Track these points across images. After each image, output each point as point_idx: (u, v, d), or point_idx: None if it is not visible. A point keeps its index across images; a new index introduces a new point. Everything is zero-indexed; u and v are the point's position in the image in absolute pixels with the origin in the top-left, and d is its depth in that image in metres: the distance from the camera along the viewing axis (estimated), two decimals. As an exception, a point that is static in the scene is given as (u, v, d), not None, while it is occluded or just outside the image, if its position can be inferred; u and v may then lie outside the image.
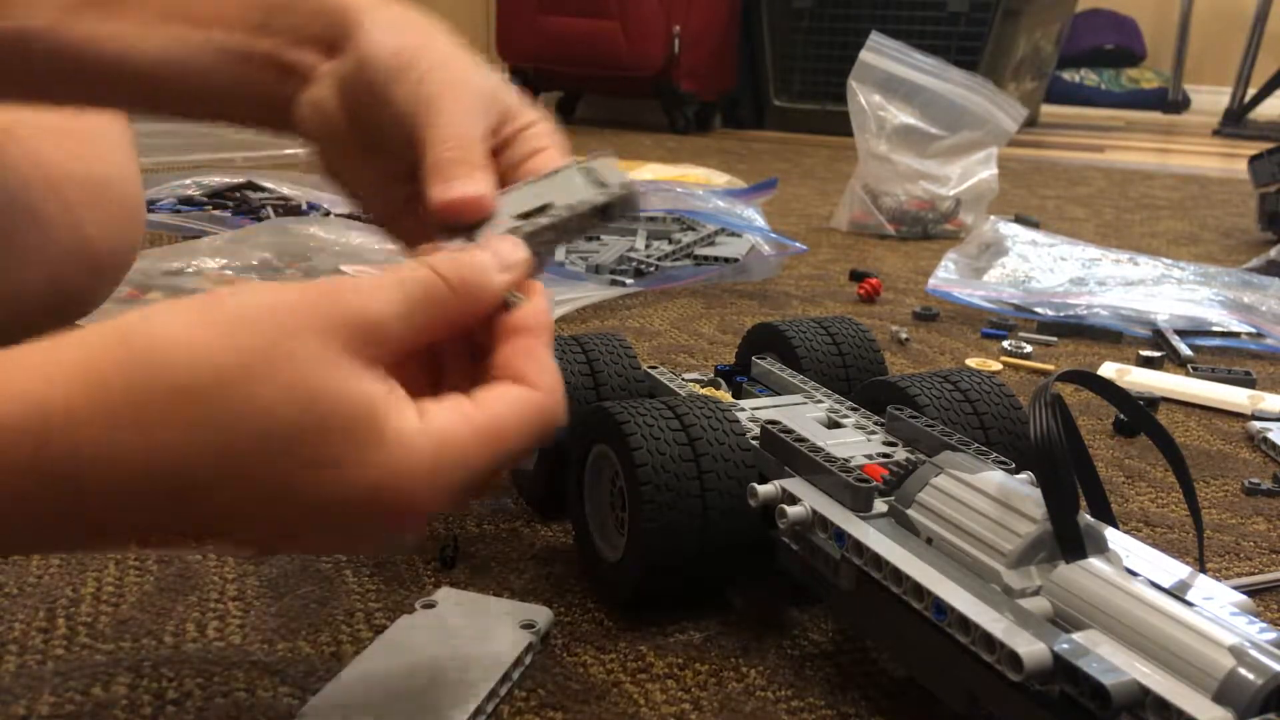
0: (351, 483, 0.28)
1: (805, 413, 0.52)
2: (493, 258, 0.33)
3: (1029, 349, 0.90)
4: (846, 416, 0.51)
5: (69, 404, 0.26)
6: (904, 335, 0.93)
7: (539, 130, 0.41)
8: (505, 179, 0.40)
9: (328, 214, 1.23)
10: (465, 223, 0.37)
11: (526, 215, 0.37)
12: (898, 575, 0.37)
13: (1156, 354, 0.89)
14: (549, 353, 0.34)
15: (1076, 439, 0.38)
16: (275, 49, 0.41)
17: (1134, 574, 0.36)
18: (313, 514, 0.29)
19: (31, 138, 0.55)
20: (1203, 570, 0.37)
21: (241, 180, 1.35)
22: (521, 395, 0.32)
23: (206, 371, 0.27)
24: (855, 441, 0.48)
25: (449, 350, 0.35)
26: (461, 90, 0.38)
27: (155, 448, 0.26)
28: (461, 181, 0.37)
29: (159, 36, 0.40)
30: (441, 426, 0.30)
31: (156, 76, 0.41)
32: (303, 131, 0.41)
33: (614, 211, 0.38)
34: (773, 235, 1.14)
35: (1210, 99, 3.59)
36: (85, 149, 0.59)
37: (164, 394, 0.27)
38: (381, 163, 0.41)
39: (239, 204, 1.27)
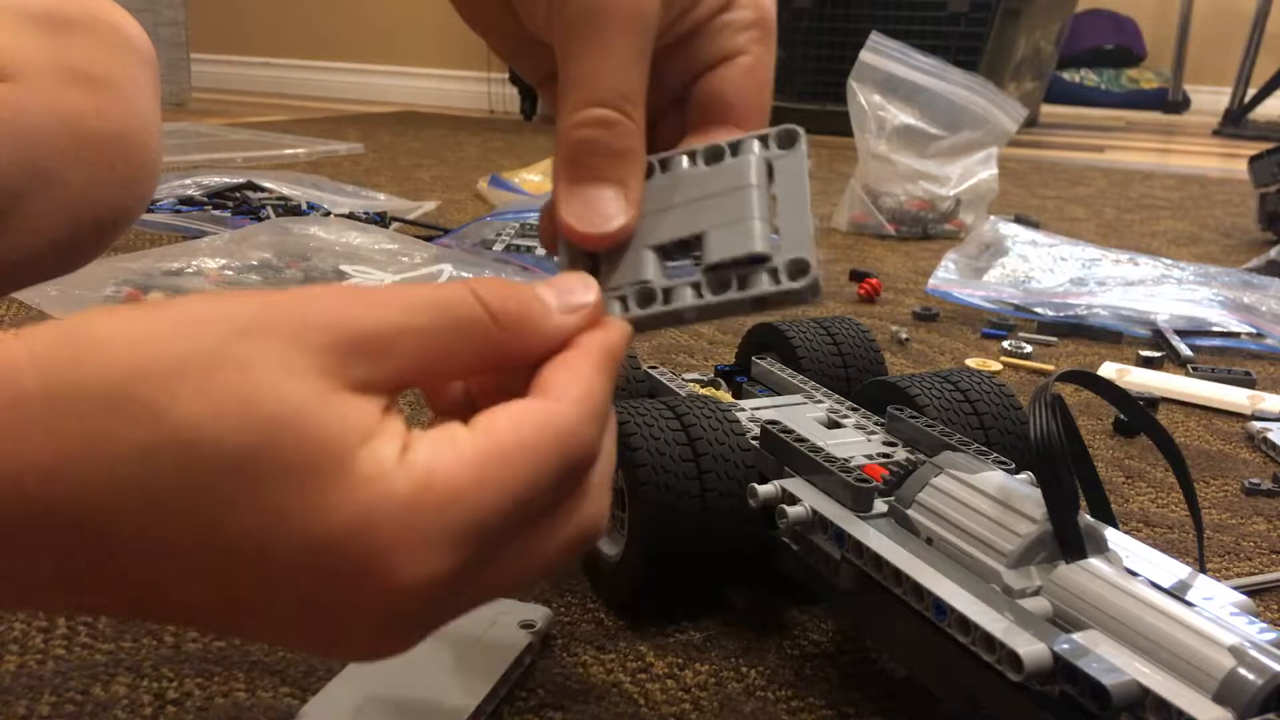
0: (300, 533, 0.21)
1: (805, 413, 0.52)
2: (556, 297, 0.27)
3: (1029, 349, 0.90)
4: (846, 417, 0.51)
5: None
6: (904, 335, 0.93)
7: (734, 19, 0.31)
8: (674, 90, 0.31)
9: (328, 214, 1.23)
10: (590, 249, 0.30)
11: (668, 248, 0.29)
12: (898, 575, 0.37)
13: (1156, 354, 0.89)
14: (595, 369, 0.26)
15: (1076, 439, 0.38)
16: None
17: (1134, 574, 0.36)
18: (254, 573, 0.22)
19: (59, 88, 0.53)
20: (1203, 570, 0.37)
21: (241, 180, 1.35)
22: (534, 410, 0.24)
23: (118, 371, 0.21)
24: (855, 442, 0.48)
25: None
26: (615, 11, 0.28)
27: (39, 466, 0.20)
28: (596, 196, 0.29)
29: None
30: (425, 460, 0.23)
31: None
32: None
33: (780, 301, 0.28)
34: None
35: (1210, 99, 3.59)
36: (113, 104, 0.57)
37: (62, 398, 0.21)
38: (521, 27, 0.32)
39: (239, 204, 1.27)
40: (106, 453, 0.21)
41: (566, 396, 0.25)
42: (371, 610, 0.22)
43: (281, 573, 0.22)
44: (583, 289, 0.27)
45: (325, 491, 0.21)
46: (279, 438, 0.21)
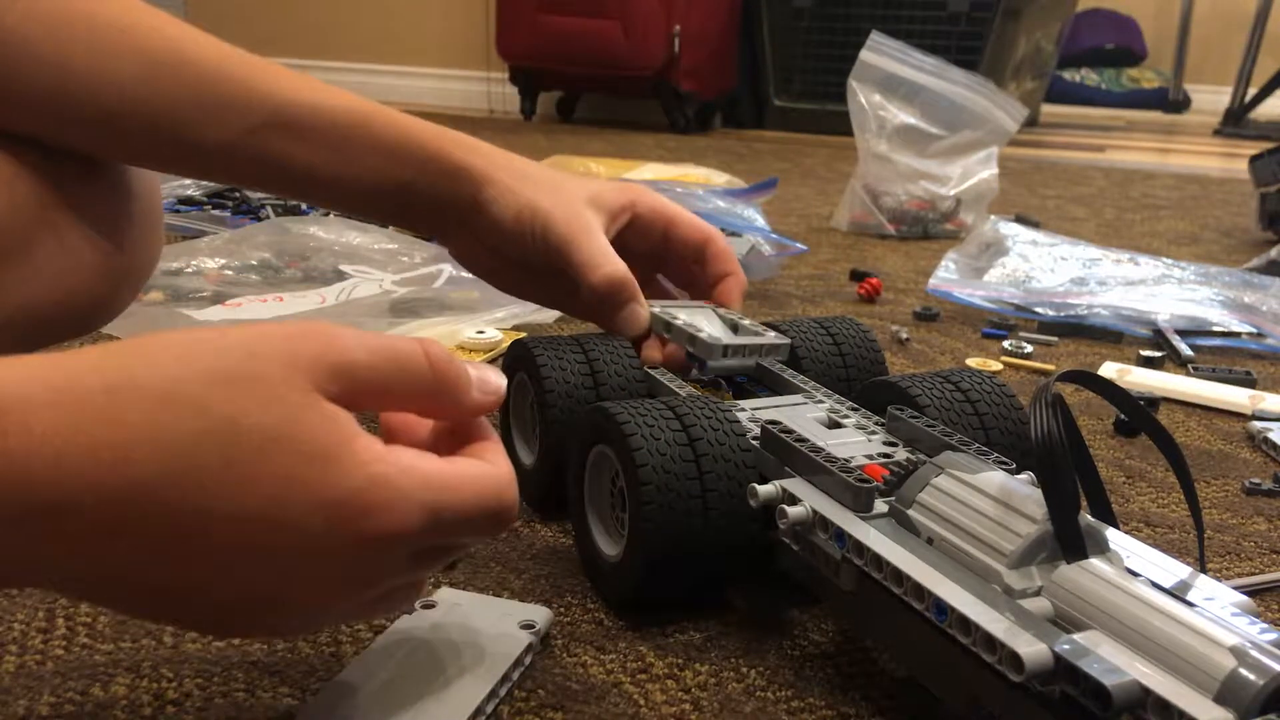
0: (314, 494, 0.29)
1: (805, 413, 0.52)
2: (478, 381, 0.35)
3: (1029, 349, 0.90)
4: (847, 416, 0.51)
5: (26, 388, 0.26)
6: (904, 335, 0.93)
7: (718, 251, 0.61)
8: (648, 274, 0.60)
9: (327, 214, 1.23)
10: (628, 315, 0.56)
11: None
12: (898, 576, 0.37)
13: (1157, 354, 0.89)
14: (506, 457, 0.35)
15: (1077, 439, 0.38)
16: (421, 211, 0.55)
17: (1135, 574, 0.36)
18: (271, 529, 0.29)
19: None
20: (1203, 570, 0.37)
21: (241, 180, 1.35)
22: (486, 468, 0.33)
23: (164, 376, 0.28)
24: (856, 441, 0.48)
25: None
26: (579, 224, 0.54)
27: (106, 444, 0.27)
28: (628, 311, 0.56)
29: (333, 166, 0.53)
30: (408, 456, 0.31)
31: (336, 190, 0.53)
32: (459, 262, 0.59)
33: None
34: (773, 235, 1.14)
35: (1210, 99, 3.59)
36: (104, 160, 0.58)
37: (137, 394, 0.28)
38: (540, 278, 0.57)
39: (238, 204, 1.27)
40: (166, 434, 0.27)
41: (505, 471, 0.34)
42: (358, 553, 0.30)
43: (294, 525, 0.29)
44: (497, 379, 0.35)
45: (330, 465, 0.29)
46: (292, 428, 0.29)
